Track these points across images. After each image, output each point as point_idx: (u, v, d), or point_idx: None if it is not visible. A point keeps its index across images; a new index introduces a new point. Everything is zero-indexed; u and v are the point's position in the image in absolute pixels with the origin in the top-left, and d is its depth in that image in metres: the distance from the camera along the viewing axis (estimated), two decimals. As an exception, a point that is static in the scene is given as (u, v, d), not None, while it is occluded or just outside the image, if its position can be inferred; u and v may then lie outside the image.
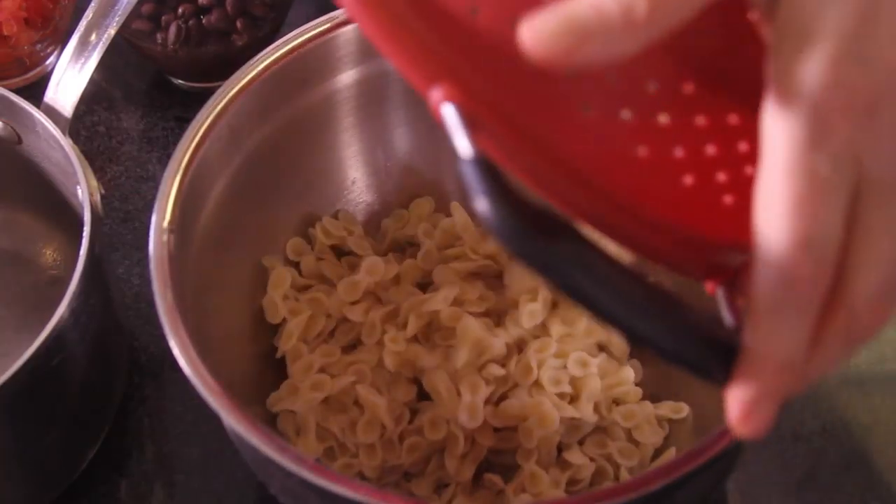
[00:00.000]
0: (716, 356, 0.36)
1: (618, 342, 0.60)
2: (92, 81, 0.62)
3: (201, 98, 0.58)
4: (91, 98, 0.77)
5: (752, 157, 0.38)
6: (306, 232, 0.65)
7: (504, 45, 0.36)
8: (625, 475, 0.57)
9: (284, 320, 0.61)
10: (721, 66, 0.38)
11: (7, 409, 0.55)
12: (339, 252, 0.65)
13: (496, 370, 0.58)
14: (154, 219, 0.54)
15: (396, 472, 0.58)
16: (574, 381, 0.59)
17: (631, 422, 0.58)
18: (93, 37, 0.62)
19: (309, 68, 0.61)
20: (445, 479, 0.58)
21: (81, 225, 0.57)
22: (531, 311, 0.60)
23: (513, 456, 0.58)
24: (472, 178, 0.34)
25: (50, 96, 0.62)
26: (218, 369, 0.50)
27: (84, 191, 0.58)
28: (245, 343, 0.61)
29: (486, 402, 0.58)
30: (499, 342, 0.59)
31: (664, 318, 0.36)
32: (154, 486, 0.63)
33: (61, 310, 0.54)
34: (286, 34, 0.60)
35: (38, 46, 0.77)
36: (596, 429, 0.59)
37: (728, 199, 0.38)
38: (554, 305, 0.61)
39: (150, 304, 0.51)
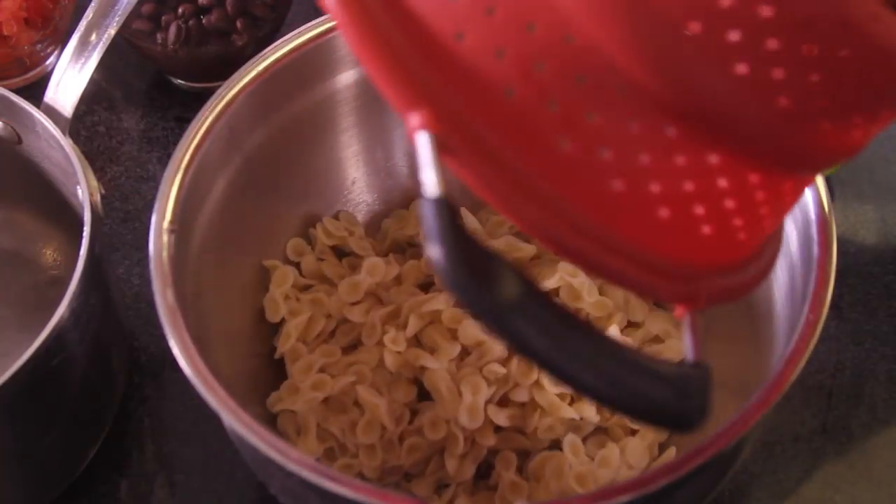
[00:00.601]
0: (663, 411, 0.36)
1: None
2: (92, 81, 0.62)
3: (201, 98, 0.58)
4: (91, 98, 0.77)
5: (733, 192, 0.38)
6: (307, 232, 0.65)
7: (486, 73, 0.35)
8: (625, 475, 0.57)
9: (284, 320, 0.61)
10: (707, 108, 0.37)
11: (7, 409, 0.55)
12: (340, 252, 0.65)
13: (497, 369, 0.58)
14: (154, 219, 0.53)
15: (397, 473, 0.58)
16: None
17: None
18: (93, 37, 0.62)
19: (309, 68, 0.61)
20: (446, 479, 0.58)
21: (81, 225, 0.57)
22: None
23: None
24: (430, 219, 0.34)
25: (50, 96, 0.62)
26: (218, 369, 0.50)
27: (84, 191, 0.58)
28: (245, 343, 0.61)
29: (487, 402, 0.58)
30: (499, 344, 0.59)
31: (610, 374, 0.36)
32: (154, 486, 0.63)
33: (61, 310, 0.54)
34: (286, 34, 0.60)
35: (38, 46, 0.77)
36: (596, 429, 0.59)
37: (706, 229, 0.38)
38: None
39: (150, 304, 0.51)
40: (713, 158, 0.37)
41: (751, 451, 0.60)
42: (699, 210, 0.38)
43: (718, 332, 0.56)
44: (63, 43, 0.72)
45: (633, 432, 0.58)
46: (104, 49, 0.62)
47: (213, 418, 0.50)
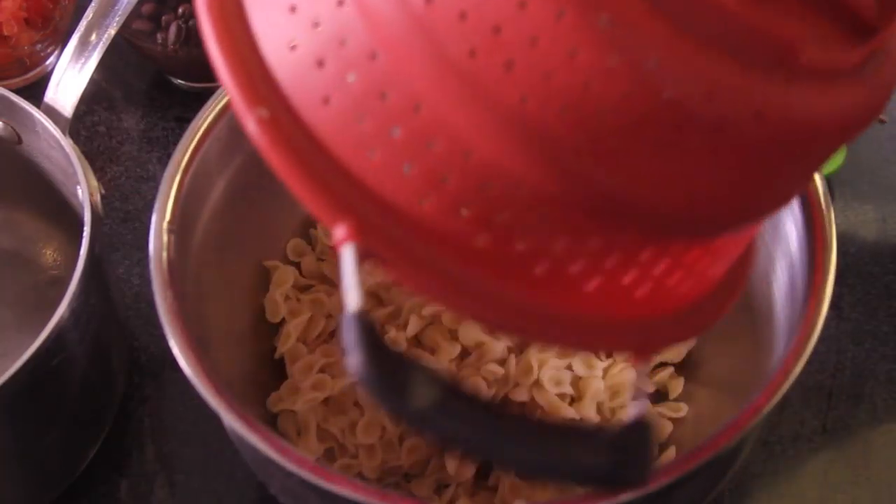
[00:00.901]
0: (601, 476, 0.38)
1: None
2: (92, 81, 0.62)
3: (201, 98, 0.58)
4: (91, 98, 0.77)
5: (660, 258, 0.39)
6: (307, 233, 0.65)
7: (398, 185, 0.38)
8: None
9: (284, 320, 0.61)
10: (604, 202, 0.38)
11: (7, 409, 0.55)
12: (340, 252, 0.65)
13: (497, 369, 0.58)
14: (154, 219, 0.54)
15: (396, 473, 0.58)
16: (578, 382, 0.59)
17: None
18: (93, 37, 0.62)
19: (309, 68, 0.60)
20: (446, 479, 0.58)
21: (81, 225, 0.57)
22: None
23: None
24: (348, 332, 0.36)
25: (50, 96, 0.62)
26: (218, 369, 0.50)
27: (84, 191, 0.58)
28: (245, 343, 0.61)
29: (487, 402, 0.58)
30: (500, 344, 0.59)
31: (542, 449, 0.38)
32: (154, 486, 0.63)
33: (61, 310, 0.54)
34: (286, 34, 0.60)
35: (38, 46, 0.77)
36: (596, 429, 0.59)
37: (641, 292, 0.40)
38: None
39: (150, 304, 0.51)
40: (627, 236, 0.39)
41: (751, 451, 0.60)
42: (628, 278, 0.39)
43: (718, 332, 0.56)
44: (63, 43, 0.72)
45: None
46: (104, 49, 0.62)
47: (213, 418, 0.50)
